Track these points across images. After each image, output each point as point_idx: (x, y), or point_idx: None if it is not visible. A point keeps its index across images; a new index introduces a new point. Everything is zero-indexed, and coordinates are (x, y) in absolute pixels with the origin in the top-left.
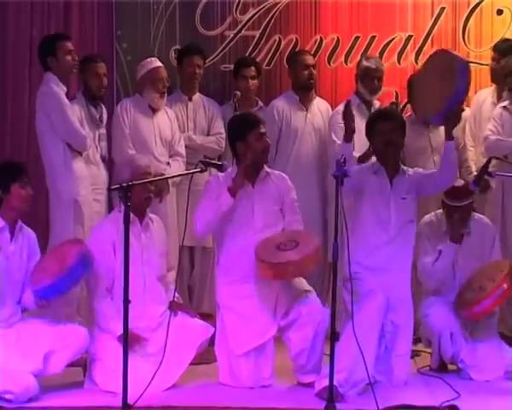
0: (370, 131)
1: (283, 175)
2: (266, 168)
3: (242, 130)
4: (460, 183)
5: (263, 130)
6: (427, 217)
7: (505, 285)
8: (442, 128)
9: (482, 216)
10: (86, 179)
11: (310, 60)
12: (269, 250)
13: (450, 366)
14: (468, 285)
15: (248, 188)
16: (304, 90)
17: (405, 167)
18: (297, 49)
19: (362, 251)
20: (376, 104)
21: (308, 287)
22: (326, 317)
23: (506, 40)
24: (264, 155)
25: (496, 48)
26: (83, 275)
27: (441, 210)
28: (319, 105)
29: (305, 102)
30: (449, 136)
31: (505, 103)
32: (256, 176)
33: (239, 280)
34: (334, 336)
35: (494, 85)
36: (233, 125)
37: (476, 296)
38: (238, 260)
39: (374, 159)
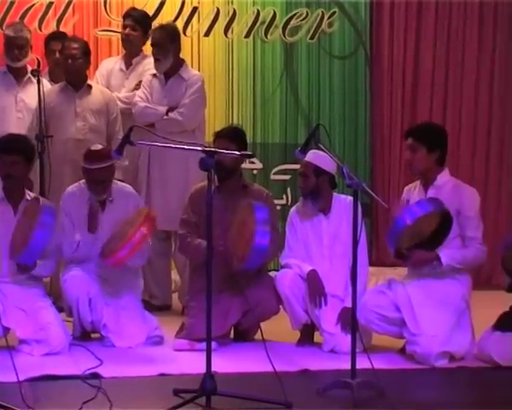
0: None
1: None
2: None
3: None
4: (97, 147)
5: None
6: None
7: (143, 229)
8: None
9: (124, 184)
10: None
11: None
12: None
13: (94, 335)
14: (112, 235)
15: None
16: None
17: None
18: None
19: None
20: (22, 71)
21: None
22: None
23: (136, 9)
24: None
25: (128, 16)
26: None
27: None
28: None
29: None
30: None
31: (154, 71)
32: None
33: None
34: None
35: (122, 53)
36: None
37: (118, 243)
38: None
39: None
